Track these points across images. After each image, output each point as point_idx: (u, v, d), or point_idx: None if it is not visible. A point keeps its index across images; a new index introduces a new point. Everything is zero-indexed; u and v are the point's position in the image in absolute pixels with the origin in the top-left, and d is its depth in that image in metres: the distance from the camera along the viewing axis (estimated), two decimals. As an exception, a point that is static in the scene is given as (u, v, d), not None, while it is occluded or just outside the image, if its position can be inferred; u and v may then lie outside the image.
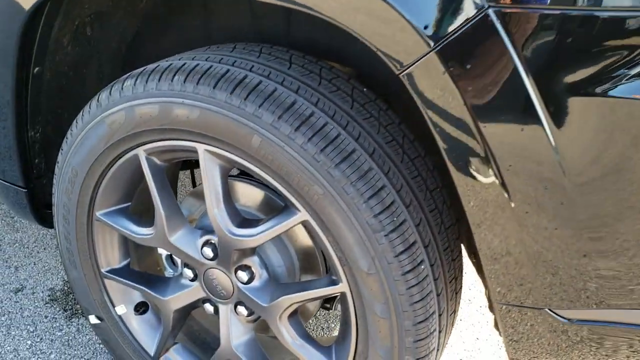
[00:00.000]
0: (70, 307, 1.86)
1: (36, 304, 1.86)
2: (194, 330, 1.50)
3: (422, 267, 1.05)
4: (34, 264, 2.04)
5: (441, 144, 0.91)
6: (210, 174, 1.15)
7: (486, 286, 1.15)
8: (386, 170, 1.05)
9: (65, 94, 1.39)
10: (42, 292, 1.92)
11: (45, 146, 1.43)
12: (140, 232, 1.29)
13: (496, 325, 1.24)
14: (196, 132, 1.10)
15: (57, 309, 1.85)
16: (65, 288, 1.94)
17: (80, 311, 1.84)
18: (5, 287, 1.92)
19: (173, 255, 1.36)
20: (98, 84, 1.43)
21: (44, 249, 2.12)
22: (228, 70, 1.08)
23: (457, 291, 1.20)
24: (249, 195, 1.29)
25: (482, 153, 0.89)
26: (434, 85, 0.86)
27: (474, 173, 0.92)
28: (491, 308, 1.26)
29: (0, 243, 2.14)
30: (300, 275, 1.31)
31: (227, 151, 1.10)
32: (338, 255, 1.07)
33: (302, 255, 1.29)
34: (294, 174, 1.04)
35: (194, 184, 1.69)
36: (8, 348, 1.70)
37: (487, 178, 0.91)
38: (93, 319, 1.46)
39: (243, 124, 1.04)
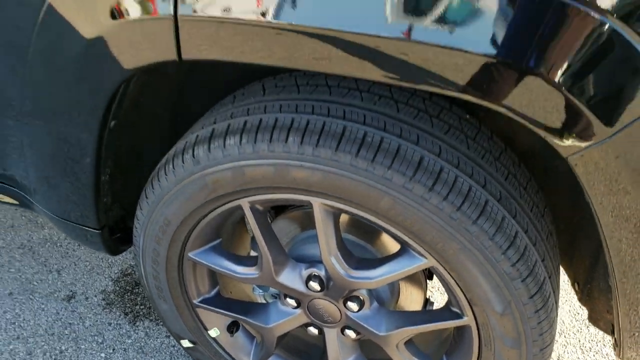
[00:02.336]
0: (130, 309, 1.85)
1: (94, 311, 1.85)
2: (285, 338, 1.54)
3: (550, 299, 1.10)
4: (75, 265, 2.00)
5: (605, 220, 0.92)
6: (324, 225, 1.13)
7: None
8: (514, 213, 1.06)
9: (128, 142, 1.33)
10: (95, 296, 1.90)
11: (111, 185, 1.36)
12: (243, 272, 1.28)
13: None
14: (315, 191, 1.07)
15: (118, 313, 1.84)
16: (117, 288, 1.92)
17: (142, 313, 1.84)
18: (56, 295, 1.89)
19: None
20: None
21: (78, 246, 2.07)
22: (345, 128, 1.03)
23: None
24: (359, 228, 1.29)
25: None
26: (604, 169, 0.85)
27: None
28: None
29: (30, 245, 2.07)
30: (399, 293, 1.34)
31: (348, 206, 1.08)
32: (468, 297, 1.11)
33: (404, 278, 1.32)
34: (427, 231, 1.03)
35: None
36: (84, 364, 1.71)
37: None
38: (186, 343, 1.48)
39: (372, 187, 1.02)
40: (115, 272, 1.98)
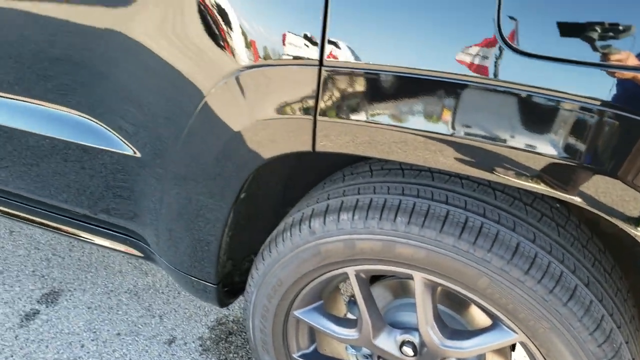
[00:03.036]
0: (224, 356, 2.01)
1: (192, 356, 2.01)
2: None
3: (632, 381, 1.18)
4: (175, 311, 2.18)
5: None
6: (423, 297, 1.26)
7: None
8: (600, 297, 1.16)
9: (247, 208, 1.50)
10: (193, 342, 2.06)
11: (229, 244, 1.54)
12: (343, 333, 1.42)
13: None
14: (418, 266, 1.21)
15: (213, 359, 2.00)
16: (212, 336, 2.08)
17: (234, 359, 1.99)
18: (158, 338, 2.07)
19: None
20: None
21: (178, 293, 2.26)
22: (448, 213, 1.17)
23: None
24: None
25: None
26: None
27: None
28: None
29: (136, 290, 2.27)
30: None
31: (447, 282, 1.21)
32: (555, 372, 1.20)
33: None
34: (520, 310, 1.15)
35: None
36: (182, 405, 1.87)
37: None
38: (282, 394, 1.61)
39: (471, 267, 1.15)
40: (211, 320, 2.15)
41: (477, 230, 1.14)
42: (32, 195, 1.76)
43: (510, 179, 1.04)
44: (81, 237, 1.78)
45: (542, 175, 1.01)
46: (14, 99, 1.52)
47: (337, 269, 1.33)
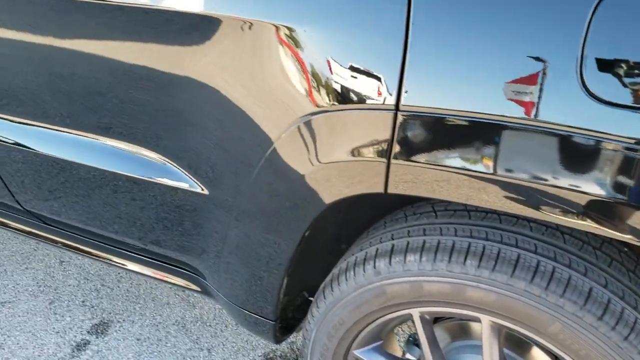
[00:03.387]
0: (272, 392, 2.01)
1: (241, 391, 2.02)
2: None
3: None
4: (223, 345, 2.19)
5: None
6: (490, 341, 1.25)
7: None
8: (676, 346, 1.14)
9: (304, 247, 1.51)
10: (242, 376, 2.07)
11: (288, 283, 1.55)
12: (404, 375, 1.41)
13: None
14: (487, 310, 1.20)
15: (262, 395, 2.00)
16: (261, 371, 2.08)
17: (283, 398, 1.98)
18: (206, 372, 2.08)
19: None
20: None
21: (226, 326, 2.27)
22: (519, 256, 1.16)
23: None
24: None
25: None
26: None
27: None
28: None
29: (184, 322, 2.29)
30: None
31: (517, 326, 1.20)
32: (628, 422, 1.17)
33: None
34: (593, 357, 1.13)
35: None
36: None
37: None
38: None
39: (543, 312, 1.14)
40: (259, 354, 2.15)
41: (550, 274, 1.13)
42: (97, 229, 1.80)
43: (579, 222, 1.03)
44: (138, 271, 1.81)
45: (600, 216, 1.01)
46: (85, 136, 1.57)
47: (401, 310, 1.33)
